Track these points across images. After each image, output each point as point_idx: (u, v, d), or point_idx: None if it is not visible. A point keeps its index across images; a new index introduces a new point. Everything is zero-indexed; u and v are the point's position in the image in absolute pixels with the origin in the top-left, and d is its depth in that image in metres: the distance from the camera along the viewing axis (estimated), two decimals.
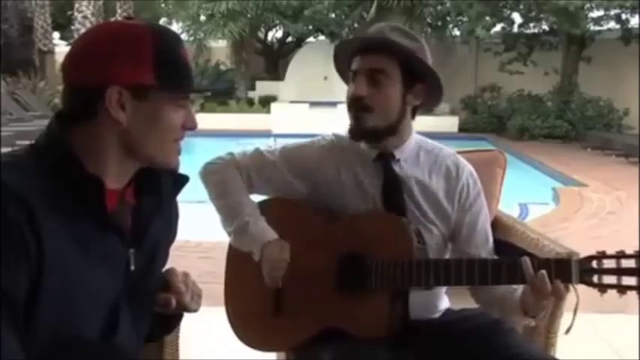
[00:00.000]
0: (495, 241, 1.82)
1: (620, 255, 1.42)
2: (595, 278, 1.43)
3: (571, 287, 1.47)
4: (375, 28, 1.75)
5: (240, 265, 1.80)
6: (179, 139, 1.16)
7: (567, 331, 1.49)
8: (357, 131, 1.71)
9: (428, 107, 1.81)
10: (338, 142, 1.81)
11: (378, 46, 1.68)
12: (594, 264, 1.44)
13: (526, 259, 1.49)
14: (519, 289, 1.58)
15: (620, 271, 1.41)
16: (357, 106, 1.68)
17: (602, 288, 1.42)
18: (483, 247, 1.76)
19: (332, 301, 1.67)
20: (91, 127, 1.08)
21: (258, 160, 1.82)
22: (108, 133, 1.09)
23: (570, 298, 1.50)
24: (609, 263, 1.42)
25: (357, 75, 1.69)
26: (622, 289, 1.40)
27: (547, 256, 1.77)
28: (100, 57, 1.07)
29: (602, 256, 1.43)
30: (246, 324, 1.82)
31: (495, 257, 1.74)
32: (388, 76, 1.67)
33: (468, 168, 1.79)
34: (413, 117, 1.76)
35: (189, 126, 1.16)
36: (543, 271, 1.45)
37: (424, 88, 1.71)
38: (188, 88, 1.15)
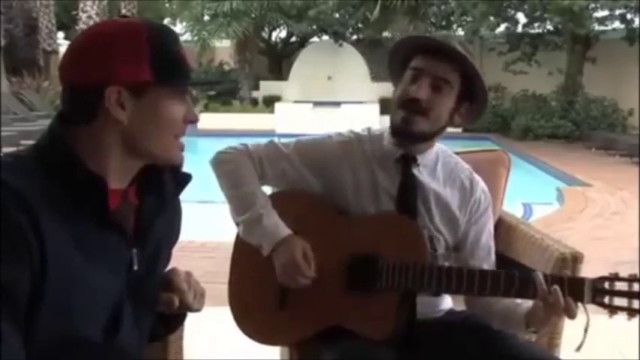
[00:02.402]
0: (497, 255, 1.81)
1: (633, 278, 1.42)
2: (606, 299, 1.43)
3: (581, 307, 1.46)
4: (441, 35, 1.77)
5: (247, 258, 1.78)
6: (180, 134, 1.15)
7: (578, 348, 1.47)
8: (404, 132, 1.69)
9: (460, 125, 1.81)
10: (356, 140, 1.80)
11: (449, 53, 1.65)
12: (606, 285, 1.44)
13: (538, 274, 1.48)
14: (523, 303, 1.58)
15: (631, 294, 1.41)
16: (412, 107, 1.66)
17: (613, 310, 1.42)
18: (485, 260, 1.76)
19: (339, 299, 1.66)
20: (92, 127, 1.08)
21: (273, 151, 1.80)
22: (109, 132, 1.09)
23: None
24: (620, 285, 1.42)
25: (420, 76, 1.66)
26: (632, 312, 1.40)
27: (551, 256, 1.77)
28: (98, 57, 1.06)
29: (614, 277, 1.43)
30: (251, 317, 1.81)
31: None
32: (451, 87, 1.66)
33: (481, 183, 1.80)
34: None
35: (190, 119, 1.15)
36: (556, 287, 1.44)
37: (469, 108, 1.72)
38: (186, 81, 1.16)
